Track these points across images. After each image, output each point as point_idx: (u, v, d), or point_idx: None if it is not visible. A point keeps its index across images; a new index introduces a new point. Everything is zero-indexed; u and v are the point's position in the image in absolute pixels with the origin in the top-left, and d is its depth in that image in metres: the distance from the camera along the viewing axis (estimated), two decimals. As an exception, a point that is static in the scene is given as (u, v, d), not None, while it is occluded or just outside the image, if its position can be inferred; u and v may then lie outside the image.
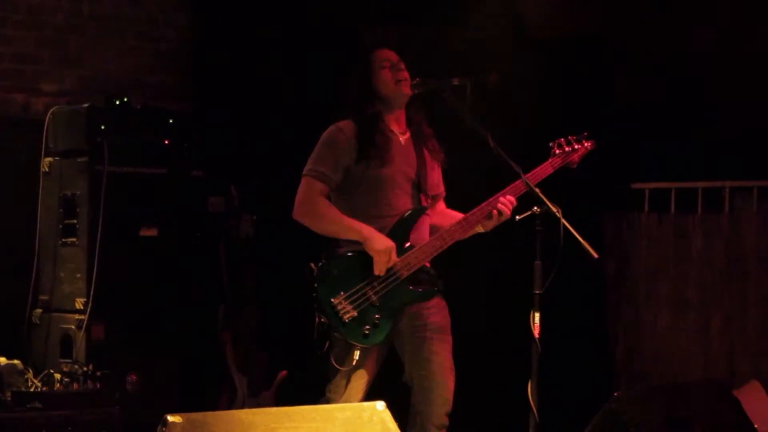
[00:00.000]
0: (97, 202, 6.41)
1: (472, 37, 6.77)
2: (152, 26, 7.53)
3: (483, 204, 5.00)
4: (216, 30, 7.44)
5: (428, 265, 5.05)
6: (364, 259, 4.88)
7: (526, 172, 4.92)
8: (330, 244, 5.03)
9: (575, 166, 5.17)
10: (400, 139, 5.12)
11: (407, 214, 5.03)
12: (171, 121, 6.78)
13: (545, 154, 5.12)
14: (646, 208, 7.02)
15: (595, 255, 4.52)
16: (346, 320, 4.84)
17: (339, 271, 4.91)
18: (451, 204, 5.31)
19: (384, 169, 5.00)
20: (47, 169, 6.69)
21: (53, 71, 7.20)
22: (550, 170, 5.08)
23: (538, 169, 5.06)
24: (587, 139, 5.19)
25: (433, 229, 5.12)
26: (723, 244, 6.73)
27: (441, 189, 5.30)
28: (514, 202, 4.96)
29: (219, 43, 7.40)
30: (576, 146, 5.16)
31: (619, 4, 6.80)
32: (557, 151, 5.12)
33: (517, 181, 4.92)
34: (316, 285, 4.87)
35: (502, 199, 4.96)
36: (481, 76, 4.96)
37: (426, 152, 5.18)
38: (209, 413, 3.81)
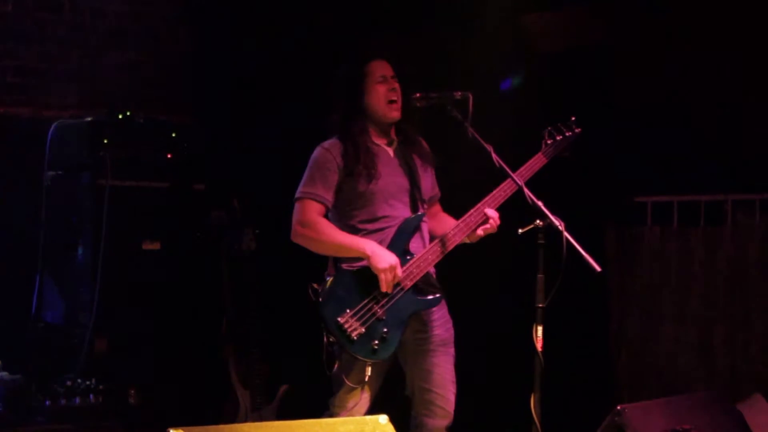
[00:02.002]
0: (99, 215, 6.41)
1: (474, 47, 6.78)
2: (154, 40, 7.54)
3: (479, 204, 5.01)
4: (218, 43, 7.46)
5: (431, 271, 5.06)
6: (366, 273, 4.88)
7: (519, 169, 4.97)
8: (331, 259, 5.03)
9: (567, 153, 5.18)
10: (388, 150, 5.14)
11: (404, 223, 5.03)
12: (173, 134, 6.78)
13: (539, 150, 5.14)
14: (649, 222, 7.02)
15: (598, 268, 4.52)
16: (355, 338, 4.83)
17: (342, 289, 4.90)
18: (452, 207, 5.31)
19: (374, 184, 5.01)
20: (50, 183, 6.69)
21: (56, 85, 7.20)
22: (545, 161, 5.11)
23: (531, 161, 5.08)
24: (575, 124, 5.21)
25: (432, 234, 5.12)
26: (725, 257, 6.73)
27: (436, 190, 5.31)
28: (497, 218, 4.99)
29: (221, 56, 7.41)
30: (567, 133, 5.18)
31: (621, 17, 6.80)
32: (548, 141, 5.14)
33: (508, 180, 4.94)
34: (320, 305, 4.86)
35: (487, 211, 4.97)
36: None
37: (416, 157, 5.19)
38: (212, 427, 3.81)
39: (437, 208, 5.33)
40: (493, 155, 4.83)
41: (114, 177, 6.46)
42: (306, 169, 5.08)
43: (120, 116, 6.65)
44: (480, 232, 5.01)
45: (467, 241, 5.07)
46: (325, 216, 5.04)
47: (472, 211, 5.02)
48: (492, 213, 4.99)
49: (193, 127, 7.05)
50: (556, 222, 4.60)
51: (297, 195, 5.04)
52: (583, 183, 6.59)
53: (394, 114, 5.09)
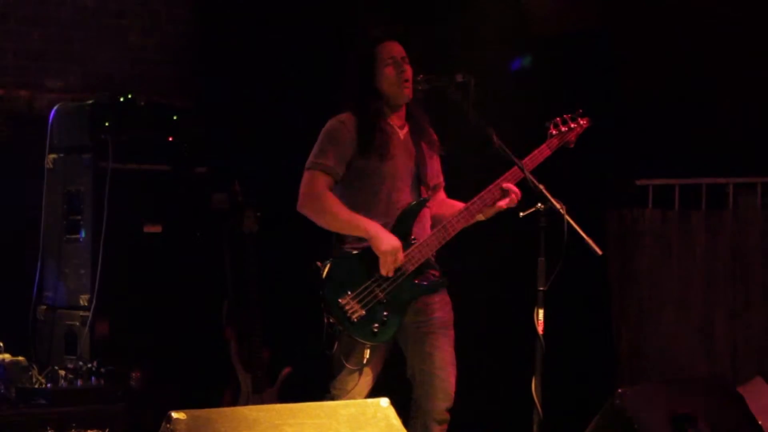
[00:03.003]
0: (100, 198, 6.40)
1: (475, 32, 6.77)
2: (156, 22, 7.53)
3: (483, 192, 5.01)
4: (219, 26, 7.45)
5: (432, 257, 5.06)
6: (369, 256, 4.88)
7: (523, 159, 4.96)
8: (334, 241, 5.03)
9: (572, 145, 5.16)
10: (400, 133, 5.12)
11: (409, 207, 5.02)
12: (174, 117, 6.77)
13: (544, 140, 5.12)
14: (650, 205, 7.02)
15: (599, 252, 4.52)
16: (355, 320, 4.84)
17: (344, 271, 4.90)
18: (454, 194, 5.31)
19: (384, 164, 5.00)
20: (51, 166, 6.68)
21: (57, 67, 7.19)
22: (548, 152, 5.09)
23: (535, 152, 5.06)
24: (582, 116, 5.18)
25: (435, 220, 5.12)
26: (727, 241, 6.73)
27: (440, 179, 5.30)
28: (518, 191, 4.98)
29: (222, 39, 7.40)
30: (572, 125, 5.15)
31: (622, 1, 6.80)
32: (554, 132, 5.12)
33: (514, 167, 4.93)
34: (322, 286, 4.87)
35: (510, 189, 4.96)
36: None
37: (424, 144, 5.18)
38: (213, 410, 3.81)
39: (442, 195, 5.31)
40: (495, 138, 4.82)
41: (115, 160, 6.45)
42: (317, 139, 5.05)
43: (121, 99, 6.64)
44: (502, 204, 4.98)
45: (481, 218, 5.06)
46: (332, 189, 5.02)
47: (475, 198, 5.01)
48: (512, 187, 4.97)
49: (194, 110, 7.05)
50: (558, 205, 4.59)
51: (307, 165, 5.01)
52: (584, 166, 6.58)
53: (406, 92, 5.06)
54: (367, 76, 5.07)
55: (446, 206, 5.19)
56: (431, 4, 6.87)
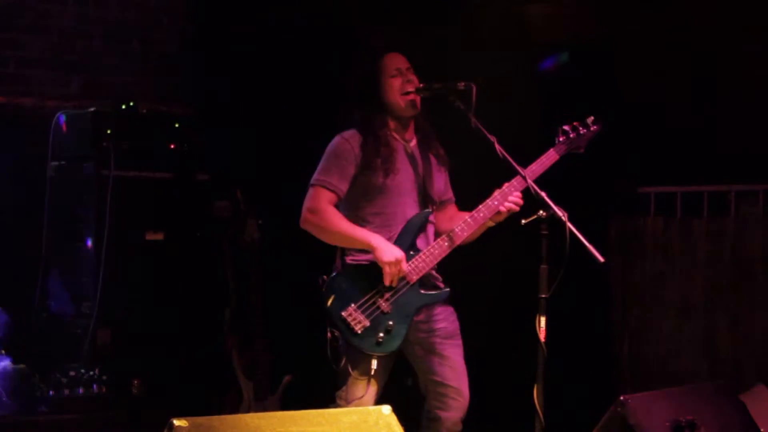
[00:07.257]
0: (102, 206, 6.40)
1: (477, 39, 6.77)
2: (158, 30, 7.53)
3: (487, 200, 4.99)
4: (221, 34, 7.45)
5: (434, 268, 5.05)
6: (371, 268, 4.89)
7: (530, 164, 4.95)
8: (338, 253, 5.02)
9: (582, 150, 5.14)
10: (407, 146, 5.11)
11: (413, 219, 5.02)
12: (176, 125, 6.78)
13: (548, 146, 5.11)
14: (652, 212, 7.02)
15: (601, 259, 4.52)
16: (359, 331, 4.83)
17: (347, 284, 4.91)
18: (458, 200, 5.30)
19: (389, 179, 5.00)
20: (53, 173, 6.69)
21: (59, 76, 7.20)
22: (557, 157, 5.06)
23: (543, 157, 5.04)
24: (594, 123, 5.14)
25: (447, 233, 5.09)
26: (729, 248, 6.73)
27: (449, 194, 5.29)
28: (521, 198, 4.97)
29: (224, 46, 7.40)
30: (582, 131, 5.11)
31: (624, 9, 6.80)
32: (561, 138, 5.08)
33: (518, 176, 4.92)
34: (325, 300, 4.87)
35: (510, 197, 4.95)
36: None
37: (432, 158, 5.17)
38: (215, 417, 3.81)
39: (453, 210, 5.28)
40: (497, 146, 4.81)
41: (117, 167, 6.45)
42: (323, 155, 5.06)
43: (123, 107, 6.64)
44: (503, 208, 4.97)
45: (491, 224, 5.05)
46: (336, 206, 5.02)
47: (480, 207, 5.00)
48: (515, 198, 4.97)
49: (196, 117, 7.05)
50: (560, 212, 4.59)
51: (311, 181, 5.02)
52: (587, 173, 6.58)
53: (410, 107, 5.06)
54: (373, 88, 5.06)
55: (456, 221, 5.12)
56: (433, 11, 6.87)
